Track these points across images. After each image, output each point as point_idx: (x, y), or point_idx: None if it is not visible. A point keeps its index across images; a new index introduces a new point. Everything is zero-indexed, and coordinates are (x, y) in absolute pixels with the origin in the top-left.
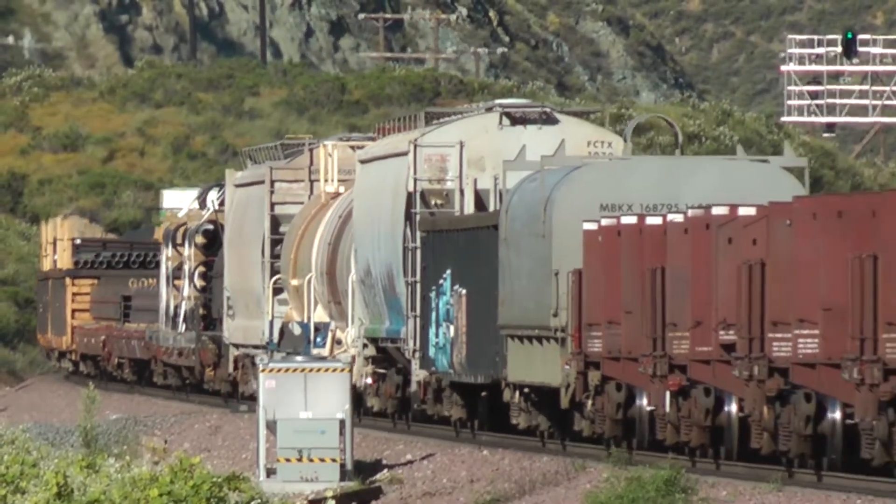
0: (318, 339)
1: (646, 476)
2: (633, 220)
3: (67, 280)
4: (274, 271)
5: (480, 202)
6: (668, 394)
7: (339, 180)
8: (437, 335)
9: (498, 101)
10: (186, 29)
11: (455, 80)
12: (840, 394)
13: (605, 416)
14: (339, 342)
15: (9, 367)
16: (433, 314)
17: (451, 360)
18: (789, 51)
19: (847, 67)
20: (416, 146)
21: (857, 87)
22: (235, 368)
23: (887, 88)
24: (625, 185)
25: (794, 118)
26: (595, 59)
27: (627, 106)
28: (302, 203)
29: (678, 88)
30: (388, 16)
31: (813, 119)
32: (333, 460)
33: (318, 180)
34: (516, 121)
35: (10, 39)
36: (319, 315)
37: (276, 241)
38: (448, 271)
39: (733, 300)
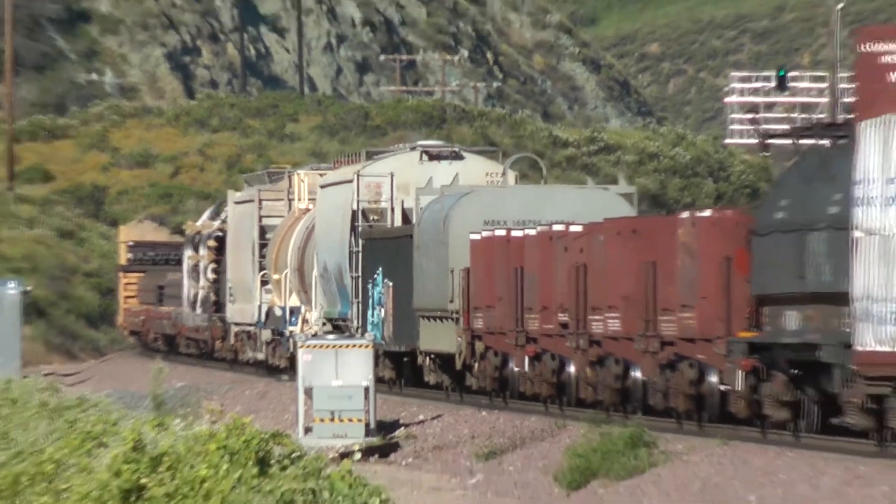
0: (293, 319)
1: (615, 433)
2: (503, 233)
3: (121, 274)
4: (261, 268)
5: (406, 218)
6: (526, 358)
7: (308, 199)
8: (373, 315)
9: (420, 143)
10: (238, 67)
11: (458, 109)
12: (635, 359)
13: (486, 375)
14: (306, 321)
15: (93, 345)
16: (370, 300)
17: (383, 334)
18: (732, 85)
19: (779, 99)
20: (358, 176)
21: (787, 115)
22: (236, 340)
23: (813, 116)
24: (502, 207)
25: (736, 140)
26: (573, 91)
27: (599, 130)
28: (282, 216)
29: (640, 116)
30: (403, 57)
31: (750, 141)
32: (359, 420)
33: (293, 199)
34: (432, 157)
35: (94, 76)
36: (293, 301)
37: (263, 245)
38: (380, 269)
39: (566, 292)
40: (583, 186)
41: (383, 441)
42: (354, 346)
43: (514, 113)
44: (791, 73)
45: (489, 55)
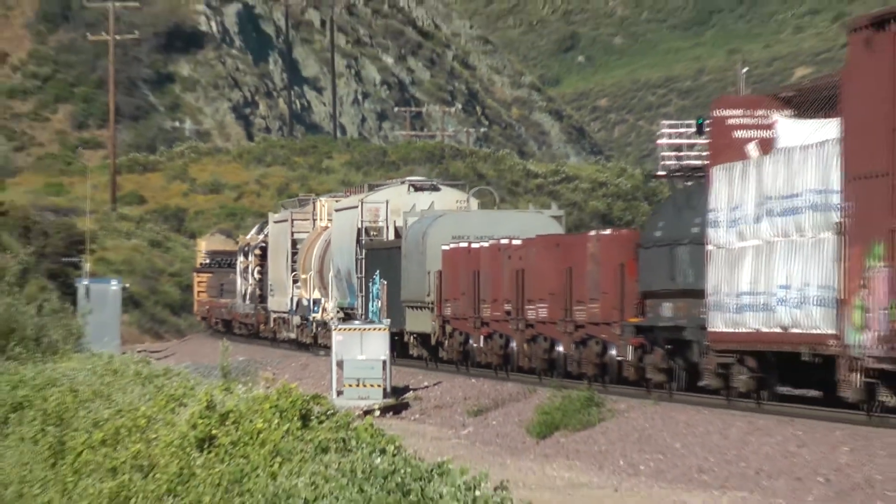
0: (315, 308)
1: (573, 395)
2: (465, 245)
3: (195, 274)
4: (293, 270)
5: (397, 233)
6: (482, 337)
7: (328, 220)
8: (372, 305)
9: (408, 178)
10: (287, 116)
11: (454, 149)
12: (558, 337)
13: (453, 349)
14: (325, 309)
15: (175, 328)
16: (370, 294)
17: (380, 319)
18: (662, 130)
19: (698, 141)
20: (362, 203)
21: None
22: (274, 324)
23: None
24: (465, 226)
25: (661, 174)
26: (541, 135)
27: (561, 165)
28: (308, 232)
29: (593, 154)
30: (412, 109)
31: (678, 175)
32: (379, 386)
33: (317, 219)
34: (416, 189)
35: (177, 123)
36: (316, 294)
37: (294, 254)
38: (377, 271)
39: (510, 288)
40: (524, 210)
41: (397, 402)
42: (375, 329)
43: (497, 151)
44: (707, 122)
45: (478, 107)
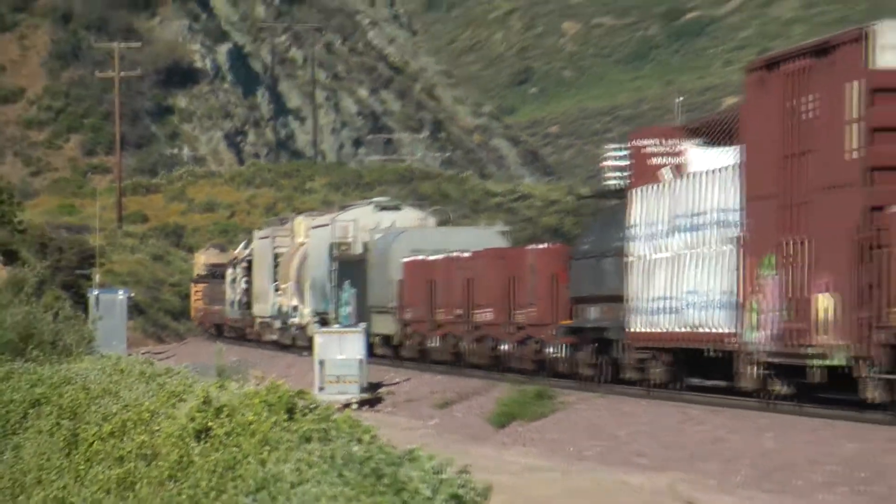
0: (294, 313)
1: (528, 389)
2: (423, 258)
3: (192, 284)
4: (274, 280)
5: (365, 248)
6: (437, 338)
7: (305, 236)
8: (343, 311)
9: (375, 199)
10: (273, 143)
11: (422, 172)
12: (502, 337)
13: (413, 348)
14: (302, 315)
15: (176, 332)
16: (341, 301)
17: (350, 322)
18: (606, 154)
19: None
20: (334, 221)
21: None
22: (259, 327)
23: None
24: (423, 241)
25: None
26: (499, 159)
27: (517, 185)
28: (287, 247)
29: (545, 175)
30: (384, 136)
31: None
32: (356, 382)
33: (295, 236)
34: (382, 208)
35: (176, 150)
36: (294, 302)
37: (276, 266)
38: (347, 281)
39: (461, 295)
40: (475, 227)
41: (371, 396)
42: (352, 332)
43: (460, 173)
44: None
45: (443, 134)
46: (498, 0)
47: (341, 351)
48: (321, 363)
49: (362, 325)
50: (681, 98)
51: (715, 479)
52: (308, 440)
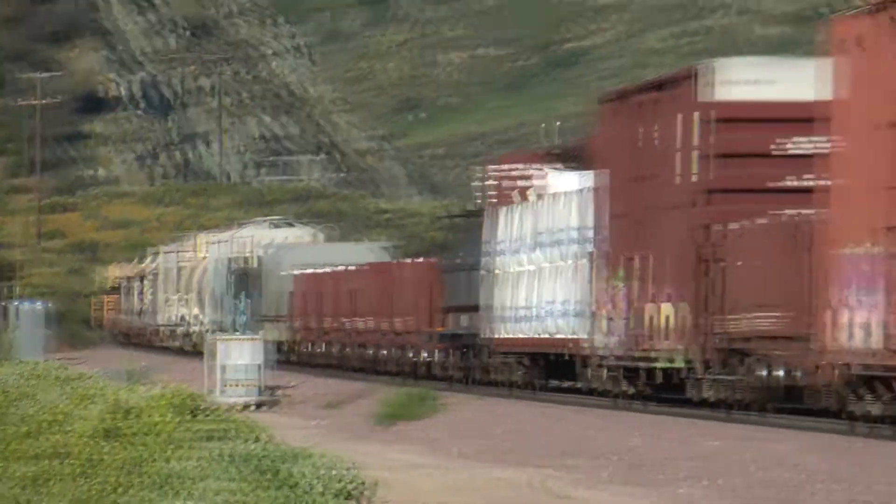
0: (195, 322)
1: (413, 391)
2: (311, 271)
3: (105, 296)
4: (178, 291)
5: (260, 262)
6: (324, 344)
7: (205, 251)
8: (239, 319)
9: (269, 217)
10: (182, 165)
11: (319, 191)
12: (383, 343)
13: (303, 354)
14: (202, 323)
15: (90, 340)
16: (238, 310)
17: (245, 332)
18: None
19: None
20: (232, 238)
21: None
22: (162, 335)
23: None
24: (312, 256)
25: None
26: (391, 179)
27: (406, 203)
28: (190, 261)
29: (432, 193)
30: (285, 157)
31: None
32: (254, 385)
33: (197, 251)
34: (275, 226)
35: (92, 172)
36: (195, 311)
37: (178, 279)
38: (243, 292)
39: (346, 305)
40: (359, 243)
41: (268, 399)
42: (251, 339)
43: (354, 192)
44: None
45: (338, 156)
46: (390, 33)
47: (241, 356)
48: (222, 368)
49: (261, 332)
50: (558, 123)
51: (584, 475)
52: (209, 439)
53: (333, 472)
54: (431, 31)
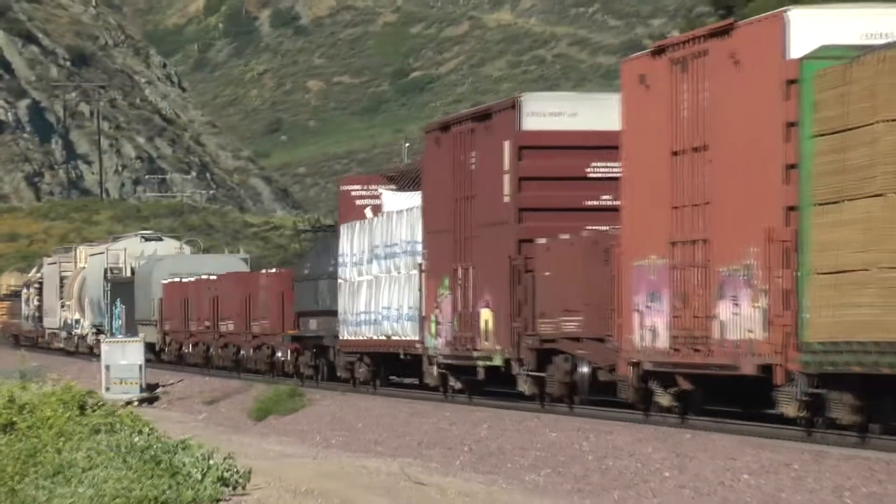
0: (76, 325)
1: (281, 388)
2: (178, 280)
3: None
4: (61, 297)
5: (133, 271)
6: (191, 345)
7: (85, 262)
8: (115, 323)
9: (140, 232)
10: (66, 183)
11: (190, 206)
12: (241, 344)
13: (172, 353)
14: (83, 326)
15: None
16: (114, 315)
17: (119, 335)
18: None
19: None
20: (108, 250)
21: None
22: (49, 337)
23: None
24: (179, 266)
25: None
26: (256, 195)
27: (271, 217)
28: (71, 271)
29: (294, 208)
30: (159, 176)
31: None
32: (136, 383)
33: (77, 261)
34: (147, 239)
35: None
36: (76, 316)
37: (62, 287)
38: (119, 299)
39: (208, 310)
40: (221, 255)
41: (150, 395)
42: (133, 341)
43: (223, 208)
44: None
45: (208, 175)
46: (253, 63)
47: (124, 357)
48: (107, 367)
49: (141, 335)
50: (408, 143)
51: (439, 463)
52: (97, 432)
53: (212, 462)
54: (290, 62)
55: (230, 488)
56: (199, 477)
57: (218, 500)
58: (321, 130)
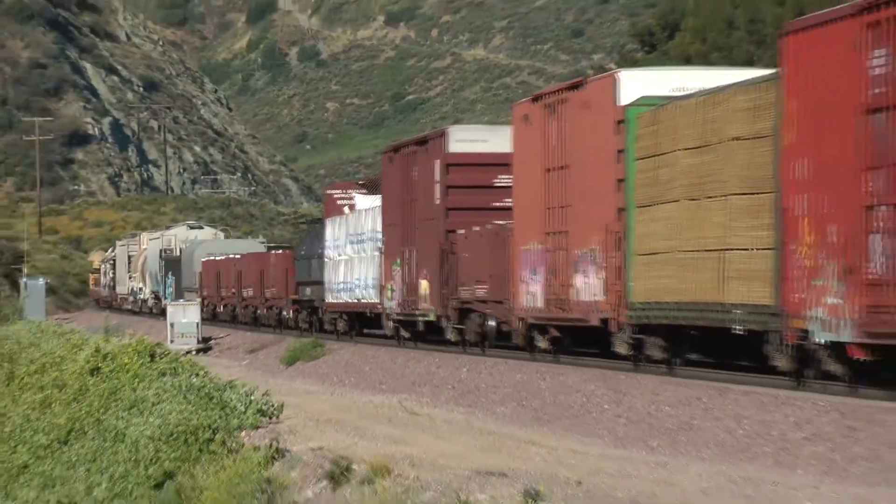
0: (139, 292)
1: (305, 341)
2: (213, 258)
3: (90, 273)
4: (129, 270)
5: (181, 252)
6: (222, 306)
7: (147, 244)
8: (168, 290)
9: (187, 222)
10: (139, 182)
11: (236, 200)
12: (258, 306)
13: (208, 313)
14: (144, 293)
15: (78, 305)
16: (167, 285)
17: (173, 299)
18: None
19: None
20: (163, 236)
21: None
22: (121, 301)
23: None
24: (216, 248)
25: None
26: (287, 192)
27: (298, 208)
28: (136, 251)
29: (317, 201)
30: (212, 176)
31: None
32: (194, 337)
33: (141, 244)
34: (191, 228)
35: (77, 187)
36: (140, 285)
37: (129, 262)
38: (170, 272)
39: (234, 281)
40: (246, 239)
41: (204, 346)
42: (192, 304)
43: (261, 200)
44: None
45: (250, 176)
46: (284, 88)
47: (185, 316)
48: (172, 324)
49: (198, 299)
50: (374, 163)
51: (429, 398)
52: (164, 375)
53: (252, 398)
54: (313, 88)
55: (267, 418)
56: (243, 409)
57: (257, 427)
58: (337, 141)
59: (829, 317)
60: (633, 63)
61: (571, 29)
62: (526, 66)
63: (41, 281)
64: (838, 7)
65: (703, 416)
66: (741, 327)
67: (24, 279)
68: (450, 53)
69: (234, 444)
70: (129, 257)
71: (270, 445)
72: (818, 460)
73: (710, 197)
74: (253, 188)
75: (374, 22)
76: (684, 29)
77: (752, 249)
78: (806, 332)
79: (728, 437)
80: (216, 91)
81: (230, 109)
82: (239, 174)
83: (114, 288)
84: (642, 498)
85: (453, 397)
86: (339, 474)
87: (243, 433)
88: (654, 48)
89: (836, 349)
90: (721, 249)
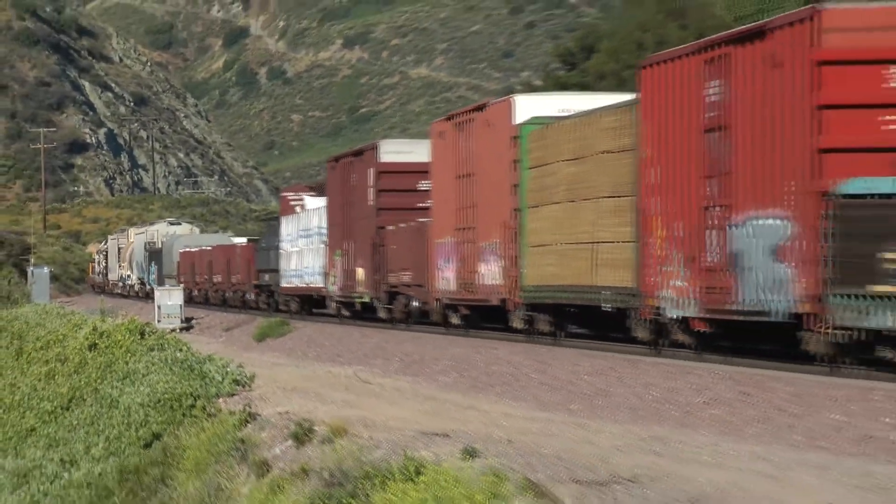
0: (128, 278)
1: (273, 320)
2: (189, 249)
3: (89, 263)
4: (119, 260)
5: (162, 244)
6: (196, 290)
7: (133, 237)
8: (151, 278)
9: (167, 219)
10: (130, 184)
11: (215, 200)
12: (226, 290)
13: (187, 296)
14: (131, 279)
15: (77, 290)
16: (150, 272)
17: (155, 285)
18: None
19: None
20: (146, 231)
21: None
22: (112, 286)
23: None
24: (192, 241)
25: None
26: (257, 192)
27: (267, 206)
28: (125, 244)
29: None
30: (193, 178)
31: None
32: (178, 317)
33: (129, 238)
34: (171, 224)
35: (76, 188)
36: (128, 272)
37: (119, 253)
38: (153, 262)
39: (206, 269)
40: (217, 233)
41: (187, 325)
42: (176, 289)
43: (236, 200)
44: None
45: (226, 178)
46: (255, 103)
47: (170, 299)
48: (159, 306)
49: (181, 285)
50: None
51: (380, 369)
52: (152, 350)
53: (228, 369)
54: (280, 102)
55: (241, 386)
56: (220, 379)
57: (233, 395)
58: (301, 148)
59: (677, 296)
60: (557, 79)
61: (503, 50)
62: (464, 83)
63: (46, 269)
64: (682, 46)
65: (616, 383)
66: (609, 305)
67: (31, 268)
68: (398, 72)
69: (212, 410)
70: (119, 249)
71: (244, 410)
72: (717, 422)
73: (585, 199)
74: (228, 189)
75: (333, 45)
76: (600, 50)
77: (617, 242)
78: (659, 308)
79: (639, 402)
80: (196, 105)
81: (209, 121)
82: (216, 177)
83: (106, 275)
84: (564, 454)
85: (401, 368)
86: (302, 434)
87: (220, 400)
88: (574, 67)
89: (683, 323)
90: (593, 242)
